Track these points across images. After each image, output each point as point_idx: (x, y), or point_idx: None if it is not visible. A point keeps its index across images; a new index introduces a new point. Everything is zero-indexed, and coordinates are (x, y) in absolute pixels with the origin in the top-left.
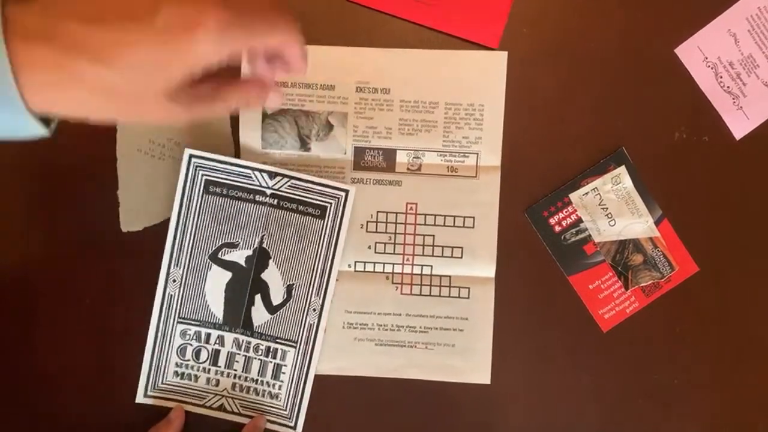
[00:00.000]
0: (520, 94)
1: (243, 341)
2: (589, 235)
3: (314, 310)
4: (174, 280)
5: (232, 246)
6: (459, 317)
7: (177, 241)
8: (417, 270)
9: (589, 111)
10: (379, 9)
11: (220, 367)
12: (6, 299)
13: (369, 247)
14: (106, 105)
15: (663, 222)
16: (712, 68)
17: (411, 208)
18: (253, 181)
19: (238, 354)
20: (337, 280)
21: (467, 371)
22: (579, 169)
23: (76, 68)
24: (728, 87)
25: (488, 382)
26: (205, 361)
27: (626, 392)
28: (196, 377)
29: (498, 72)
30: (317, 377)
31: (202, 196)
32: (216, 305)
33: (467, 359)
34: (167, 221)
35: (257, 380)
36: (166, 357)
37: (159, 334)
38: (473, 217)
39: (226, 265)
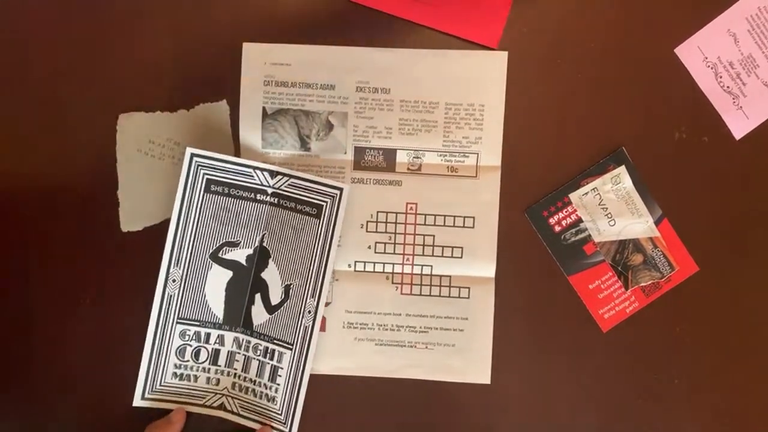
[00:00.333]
0: (520, 94)
1: (243, 340)
2: (589, 235)
3: (309, 312)
4: (174, 280)
5: (233, 245)
6: (459, 317)
7: (177, 240)
8: (417, 270)
9: (589, 111)
10: (379, 9)
11: (220, 366)
12: (6, 299)
13: (369, 247)
14: None
15: (663, 222)
16: (711, 68)
17: (411, 208)
18: (255, 180)
19: (238, 353)
20: (336, 280)
21: (467, 371)
22: (579, 169)
23: None
24: (728, 87)
25: (488, 381)
26: (204, 361)
27: (626, 392)
28: (196, 377)
29: (498, 72)
30: (317, 377)
31: (204, 195)
32: (216, 304)
33: (467, 359)
34: (167, 221)
35: (255, 381)
36: (165, 359)
37: (158, 336)
38: (473, 217)
39: (227, 264)
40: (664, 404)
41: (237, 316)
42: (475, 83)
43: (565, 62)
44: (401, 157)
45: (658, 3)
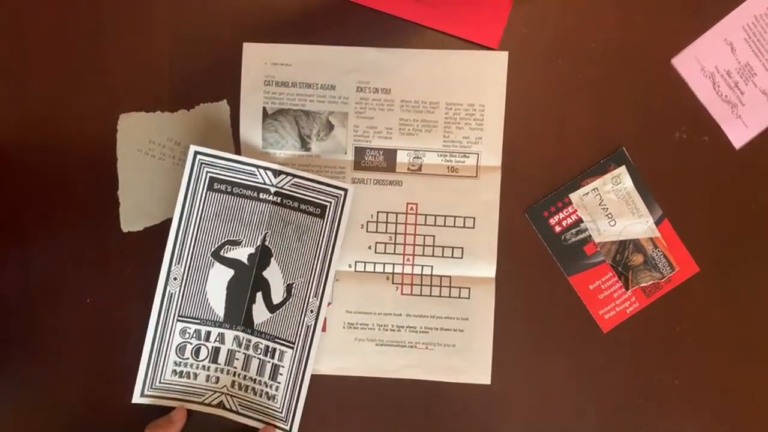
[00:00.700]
0: (521, 95)
1: (243, 339)
2: (590, 236)
3: (312, 311)
4: (175, 278)
5: (235, 243)
6: (459, 317)
7: (179, 238)
8: (417, 270)
9: (589, 111)
10: (379, 9)
11: (220, 364)
12: (6, 299)
13: (369, 247)
14: None
15: (663, 222)
16: (709, 77)
17: (411, 208)
18: (258, 178)
19: (239, 351)
20: (337, 280)
21: (467, 371)
22: (579, 169)
23: None
24: (726, 96)
25: (488, 382)
26: (204, 359)
27: (626, 392)
28: (195, 375)
29: (498, 72)
30: (317, 377)
31: (206, 194)
32: (217, 303)
33: (467, 359)
34: (168, 221)
35: (256, 380)
36: (165, 356)
37: (158, 333)
38: (473, 218)
39: (229, 262)
40: (664, 404)
41: (238, 315)
42: (476, 83)
43: (565, 62)
44: (401, 158)
45: (655, 10)
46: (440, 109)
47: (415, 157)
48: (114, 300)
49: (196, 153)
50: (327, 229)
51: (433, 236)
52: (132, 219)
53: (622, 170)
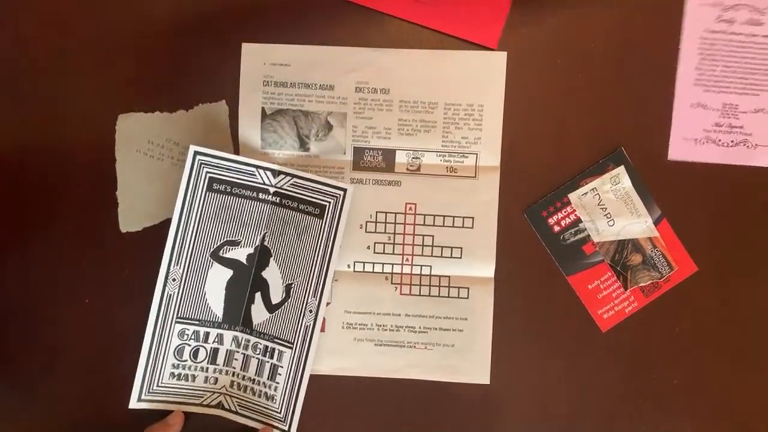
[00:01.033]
0: (520, 95)
1: (242, 339)
2: (588, 235)
3: (311, 311)
4: (174, 280)
5: (234, 243)
6: (458, 317)
7: (178, 239)
8: (416, 270)
9: (588, 111)
10: (379, 9)
11: (218, 365)
12: (6, 299)
13: (368, 248)
14: None
15: (662, 222)
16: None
17: (410, 209)
18: (257, 178)
19: (237, 352)
20: (336, 280)
21: (467, 371)
22: (578, 169)
23: None
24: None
25: (488, 382)
26: (203, 360)
27: (625, 392)
28: (194, 377)
29: (497, 72)
30: (316, 377)
31: (206, 194)
32: (216, 303)
33: (467, 359)
34: (166, 222)
35: (254, 380)
36: (163, 359)
37: (156, 336)
38: (472, 218)
39: (228, 262)
40: (664, 404)
41: (236, 315)
42: (475, 83)
43: (564, 62)
44: (400, 158)
45: (655, 9)
46: (439, 110)
47: (413, 158)
48: (113, 300)
49: (196, 153)
50: (326, 229)
51: (432, 236)
52: (131, 219)
53: (621, 170)
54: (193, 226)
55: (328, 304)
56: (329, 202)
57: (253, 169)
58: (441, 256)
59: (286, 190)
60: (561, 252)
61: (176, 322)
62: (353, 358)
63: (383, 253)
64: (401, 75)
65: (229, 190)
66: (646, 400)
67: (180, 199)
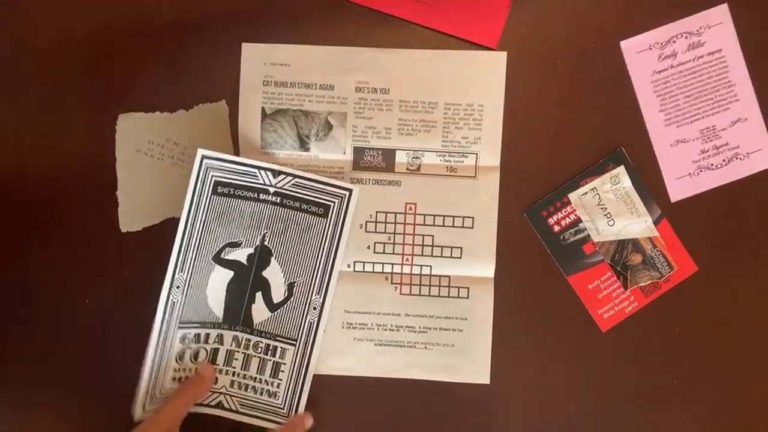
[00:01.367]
0: (520, 94)
1: (243, 339)
2: (588, 235)
3: (314, 308)
4: (178, 286)
5: (235, 245)
6: (458, 317)
7: (183, 245)
8: (416, 270)
9: (588, 111)
10: (379, 9)
11: (218, 365)
12: (6, 300)
13: (368, 247)
14: None
15: (662, 222)
16: None
17: (410, 208)
18: (258, 179)
19: (237, 351)
20: (336, 279)
21: (466, 371)
22: (578, 169)
23: None
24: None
25: (487, 381)
26: (203, 361)
27: (625, 391)
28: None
29: (497, 72)
30: (316, 377)
31: (211, 198)
32: (216, 304)
33: (466, 359)
34: (166, 221)
35: (256, 378)
36: (165, 366)
37: (159, 346)
38: (472, 218)
39: (229, 264)
40: (664, 404)
41: (236, 315)
42: (475, 83)
43: (564, 62)
44: (400, 158)
45: (656, 10)
46: (439, 109)
47: (413, 157)
48: (114, 300)
49: (204, 157)
50: (330, 228)
51: (432, 236)
52: (131, 219)
53: (621, 170)
54: (198, 231)
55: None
56: (334, 202)
57: (255, 170)
58: (441, 256)
59: (287, 190)
60: (561, 252)
61: (179, 328)
62: (353, 357)
63: (383, 252)
64: (401, 75)
65: (232, 192)
66: (646, 399)
67: (187, 204)
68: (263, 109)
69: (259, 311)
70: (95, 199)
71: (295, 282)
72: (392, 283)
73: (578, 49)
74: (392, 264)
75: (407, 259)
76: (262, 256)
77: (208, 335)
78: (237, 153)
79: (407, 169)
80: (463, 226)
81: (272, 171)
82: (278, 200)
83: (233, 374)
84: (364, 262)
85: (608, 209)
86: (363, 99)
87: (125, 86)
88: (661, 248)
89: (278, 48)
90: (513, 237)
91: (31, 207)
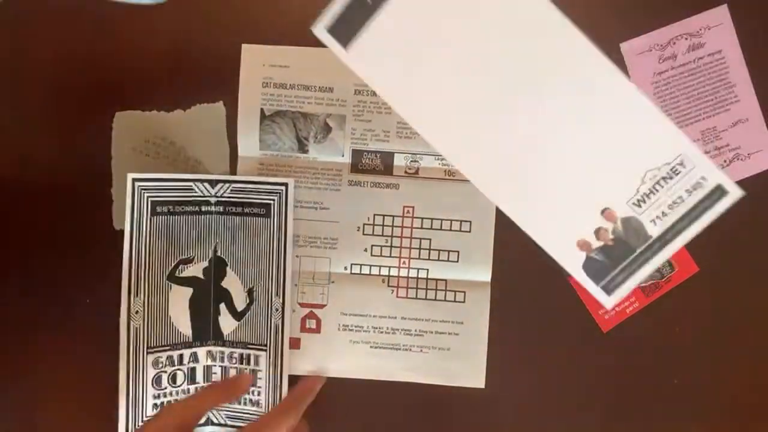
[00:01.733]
0: None
1: (216, 352)
2: None
3: (277, 310)
4: (137, 312)
5: (188, 261)
6: (454, 321)
7: (133, 270)
8: (413, 273)
9: None
10: None
11: (198, 383)
12: (6, 300)
13: (365, 250)
14: None
15: None
16: None
17: (408, 212)
18: (196, 192)
19: (215, 365)
20: (332, 282)
21: (462, 375)
22: None
23: None
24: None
25: (483, 386)
26: (182, 383)
27: (625, 392)
28: (177, 402)
29: None
30: None
31: (150, 219)
32: (183, 324)
33: (462, 363)
34: None
35: None
36: (143, 392)
37: (130, 373)
38: (470, 221)
39: (186, 281)
40: (664, 404)
41: (206, 330)
42: None
43: None
44: (399, 161)
45: (657, 10)
46: None
47: (412, 161)
48: (114, 300)
49: (134, 180)
50: (275, 226)
51: (429, 240)
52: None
53: None
54: (145, 254)
55: (323, 306)
56: (273, 200)
57: (190, 183)
58: (438, 260)
59: (227, 197)
60: None
61: (148, 353)
62: (348, 360)
63: (380, 255)
64: None
65: (172, 210)
66: (647, 400)
67: (127, 230)
68: (262, 110)
69: (227, 322)
70: (90, 197)
71: (253, 287)
72: (389, 286)
73: None
74: (389, 267)
75: (404, 262)
76: (217, 268)
77: (181, 356)
78: (234, 154)
79: (405, 172)
80: (460, 230)
81: (208, 182)
82: (221, 209)
83: None
84: (360, 265)
85: None
86: (362, 102)
87: (123, 85)
88: None
89: (278, 50)
90: (510, 241)
91: (28, 205)
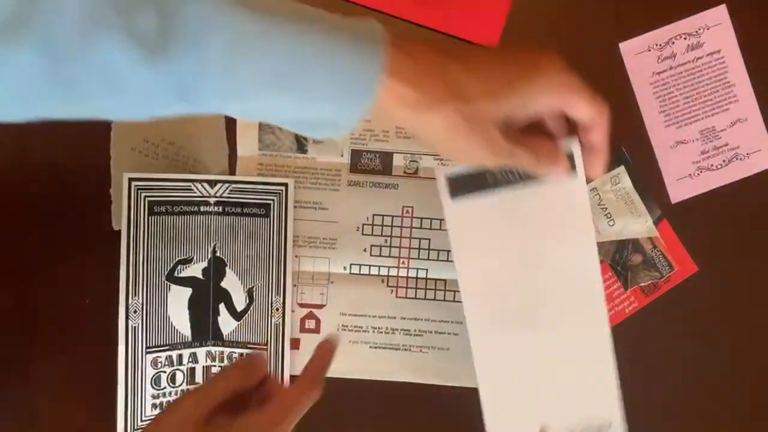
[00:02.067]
0: None
1: (216, 352)
2: None
3: (277, 309)
4: (135, 311)
5: (187, 261)
6: (454, 321)
7: (131, 270)
8: (412, 273)
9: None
10: (379, 9)
11: (198, 383)
12: (5, 300)
13: (364, 250)
14: (444, 116)
15: (662, 222)
16: None
17: (407, 212)
18: (195, 192)
19: (214, 366)
20: (332, 282)
21: (461, 375)
22: None
23: (438, 63)
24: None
25: None
26: (182, 383)
27: (626, 392)
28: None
29: None
30: None
31: (148, 219)
32: (182, 324)
33: (462, 363)
34: None
35: None
36: (141, 392)
37: (129, 372)
38: None
39: (185, 281)
40: (664, 404)
41: (205, 330)
42: None
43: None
44: (398, 161)
45: (658, 11)
46: None
47: (411, 161)
48: (114, 300)
49: (131, 180)
50: (275, 226)
51: (429, 240)
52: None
53: (621, 170)
54: (143, 254)
55: (323, 306)
56: (273, 200)
57: (189, 183)
58: (437, 260)
59: (227, 197)
60: None
61: (147, 353)
62: (348, 360)
63: (379, 255)
64: None
65: (170, 209)
66: (647, 400)
67: (124, 230)
68: None
69: (226, 322)
70: (88, 197)
71: (253, 287)
72: (388, 286)
73: (577, 50)
74: (388, 267)
75: (403, 263)
76: (217, 268)
77: (180, 356)
78: (233, 154)
79: (404, 172)
80: None
81: (208, 182)
82: (221, 209)
83: None
84: (360, 265)
85: (608, 209)
86: None
87: None
88: (662, 248)
89: None
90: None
91: (28, 204)
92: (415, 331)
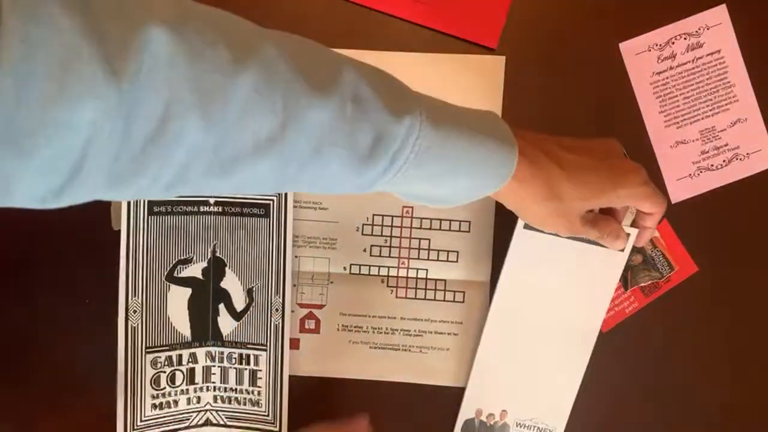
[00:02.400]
0: (518, 96)
1: (216, 352)
2: None
3: (277, 310)
4: (135, 311)
5: (187, 262)
6: (454, 321)
7: (130, 269)
8: (412, 273)
9: (586, 112)
10: (379, 9)
11: (198, 383)
12: (5, 300)
13: (364, 250)
14: (540, 208)
15: (662, 222)
16: None
17: (407, 212)
18: None
19: (214, 366)
20: (332, 282)
21: (461, 375)
22: None
23: (548, 170)
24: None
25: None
26: (181, 384)
27: (625, 392)
28: (176, 402)
29: (495, 76)
30: (310, 379)
31: (148, 218)
32: (182, 324)
33: (462, 363)
34: None
35: (236, 389)
36: (141, 392)
37: (128, 372)
38: (469, 221)
39: (184, 282)
40: (664, 404)
41: (205, 331)
42: (472, 88)
43: (563, 64)
44: None
45: (659, 11)
46: None
47: None
48: (114, 300)
49: None
50: (275, 226)
51: (429, 240)
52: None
53: None
54: (142, 254)
55: (323, 306)
56: (273, 200)
57: None
58: (437, 260)
59: (226, 197)
60: None
61: (146, 353)
62: (347, 360)
63: (379, 255)
64: (400, 78)
65: (170, 209)
66: (646, 400)
67: (124, 229)
68: None
69: (226, 322)
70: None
71: (253, 287)
72: (388, 286)
73: (577, 51)
74: (388, 267)
75: (403, 263)
76: (216, 268)
77: (180, 356)
78: None
79: None
80: (459, 230)
81: None
82: (220, 209)
83: (214, 389)
84: (360, 265)
85: None
86: None
87: None
88: (662, 248)
89: None
90: (510, 241)
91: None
92: (414, 331)
